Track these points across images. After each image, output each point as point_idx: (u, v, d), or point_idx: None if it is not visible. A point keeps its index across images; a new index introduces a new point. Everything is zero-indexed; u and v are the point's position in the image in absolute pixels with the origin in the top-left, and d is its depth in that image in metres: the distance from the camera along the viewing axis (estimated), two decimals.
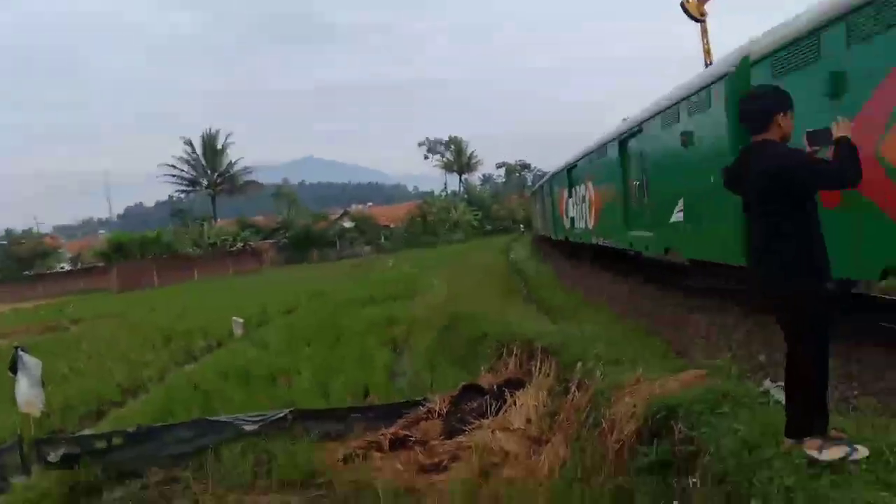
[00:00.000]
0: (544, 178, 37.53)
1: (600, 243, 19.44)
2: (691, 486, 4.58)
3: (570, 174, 23.88)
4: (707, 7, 27.95)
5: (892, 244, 6.48)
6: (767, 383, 5.97)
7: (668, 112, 12.33)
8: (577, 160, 22.41)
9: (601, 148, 18.53)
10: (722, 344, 10.00)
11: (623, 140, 15.93)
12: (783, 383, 4.06)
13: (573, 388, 6.72)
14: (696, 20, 28.10)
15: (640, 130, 14.43)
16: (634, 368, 6.45)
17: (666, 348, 9.44)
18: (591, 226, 20.35)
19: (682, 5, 27.89)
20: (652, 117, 13.39)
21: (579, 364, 6.88)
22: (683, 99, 11.42)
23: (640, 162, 14.60)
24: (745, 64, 8.93)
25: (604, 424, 5.87)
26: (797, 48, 7.69)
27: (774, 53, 8.18)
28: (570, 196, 24.01)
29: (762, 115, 3.90)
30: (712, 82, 10.03)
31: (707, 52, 28.05)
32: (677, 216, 11.81)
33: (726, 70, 9.56)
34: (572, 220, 23.90)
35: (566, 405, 6.73)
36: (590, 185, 20.28)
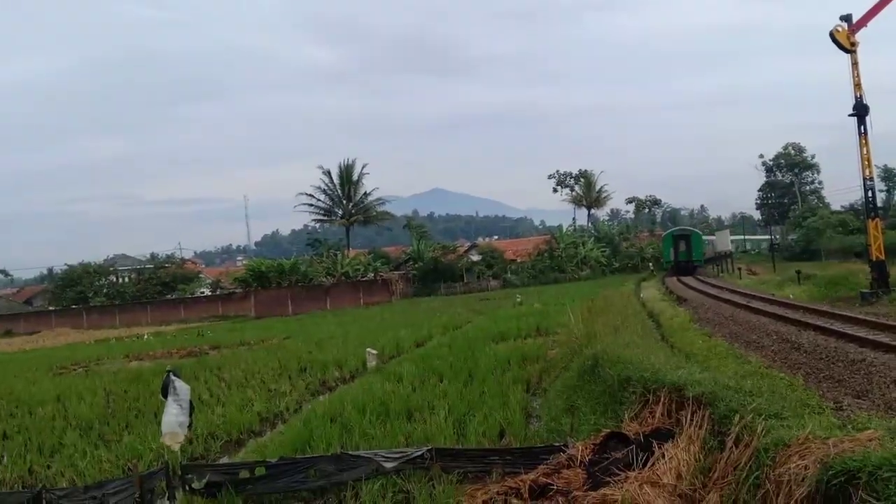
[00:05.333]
0: (667, 232, 73.16)
1: (665, 264, 65.38)
2: None
3: (672, 237, 64.94)
4: (857, 37, 26.26)
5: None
6: None
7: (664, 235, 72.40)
8: (665, 233, 71.78)
9: (666, 234, 70.89)
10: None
11: (665, 234, 71.46)
12: None
13: (729, 444, 6.24)
14: (846, 51, 26.44)
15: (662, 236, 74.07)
16: (801, 424, 5.90)
17: (817, 400, 8.77)
18: (669, 259, 63.66)
19: (832, 35, 26.36)
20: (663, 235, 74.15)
21: (737, 417, 6.38)
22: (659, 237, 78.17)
23: (667, 243, 65.20)
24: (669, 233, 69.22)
25: (768, 486, 5.38)
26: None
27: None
28: (669, 246, 64.24)
29: None
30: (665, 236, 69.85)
31: (857, 86, 26.32)
32: (666, 256, 64.65)
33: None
34: (667, 256, 64.68)
35: (722, 462, 6.25)
36: (668, 243, 65.36)
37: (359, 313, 50.26)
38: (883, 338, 14.37)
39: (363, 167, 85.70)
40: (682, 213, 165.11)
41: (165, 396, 9.15)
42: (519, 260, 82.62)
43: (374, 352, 18.59)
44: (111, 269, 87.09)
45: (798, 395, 8.68)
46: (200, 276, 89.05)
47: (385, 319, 38.29)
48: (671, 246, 62.43)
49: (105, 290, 79.64)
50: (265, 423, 13.29)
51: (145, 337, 42.27)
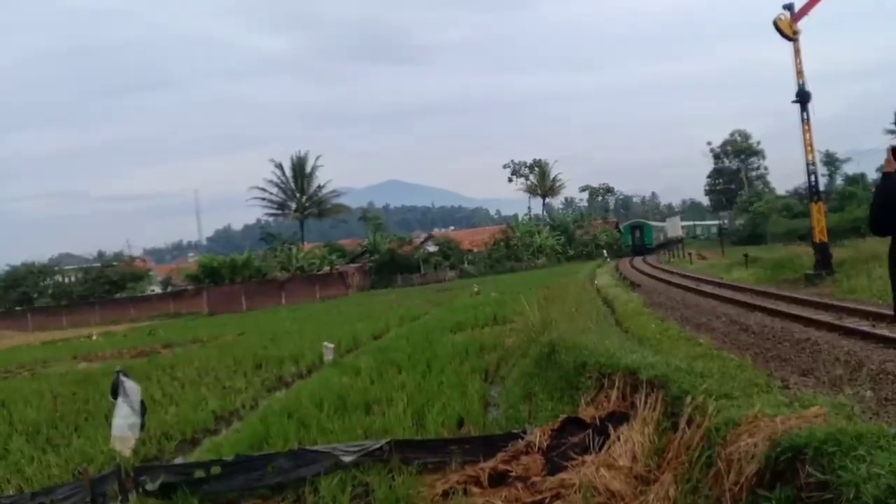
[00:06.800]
0: (626, 223, 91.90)
1: (624, 248, 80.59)
2: None
3: (630, 227, 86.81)
4: (800, 25, 26.87)
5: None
6: None
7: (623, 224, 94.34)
8: (624, 225, 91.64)
9: (625, 225, 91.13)
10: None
11: (624, 225, 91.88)
12: None
13: (682, 424, 6.37)
14: (789, 39, 27.03)
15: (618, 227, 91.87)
16: (750, 403, 6.05)
17: (766, 379, 9.02)
18: (628, 244, 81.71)
19: (775, 23, 26.93)
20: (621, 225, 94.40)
21: (689, 398, 6.51)
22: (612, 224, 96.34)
23: (626, 232, 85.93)
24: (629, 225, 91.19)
25: (719, 464, 5.51)
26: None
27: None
28: (627, 234, 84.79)
29: None
30: (620, 225, 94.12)
31: (800, 73, 26.95)
32: (626, 242, 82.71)
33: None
34: (626, 242, 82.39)
35: (675, 442, 6.37)
36: (626, 232, 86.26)
37: (315, 307, 49.84)
38: (826, 317, 14.84)
39: (316, 159, 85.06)
40: (635, 200, 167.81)
41: (115, 397, 8.94)
42: (475, 250, 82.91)
43: (331, 345, 18.45)
44: (56, 268, 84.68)
45: (747, 374, 8.89)
46: (150, 273, 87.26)
47: (342, 313, 38.05)
48: (629, 234, 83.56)
49: (50, 291, 77.37)
50: (221, 421, 13.06)
51: (94, 337, 41.22)
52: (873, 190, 3.94)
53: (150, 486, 7.91)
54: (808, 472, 4.57)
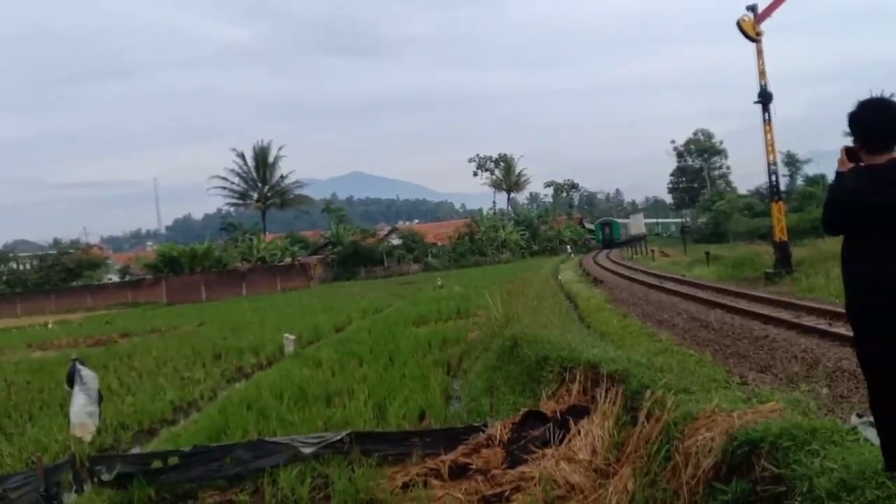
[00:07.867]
0: (598, 221, 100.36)
1: (596, 242, 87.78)
2: None
3: (600, 224, 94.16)
4: (763, 27, 27.26)
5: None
6: (854, 419, 5.61)
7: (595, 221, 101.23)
8: (596, 222, 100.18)
9: (597, 222, 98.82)
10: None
11: (596, 222, 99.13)
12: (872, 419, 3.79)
13: (642, 418, 6.42)
14: (752, 40, 27.40)
15: (588, 226, 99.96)
16: (708, 398, 6.12)
17: (724, 375, 9.16)
18: (599, 239, 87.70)
19: (738, 24, 27.27)
20: (591, 224, 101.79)
21: (648, 392, 6.57)
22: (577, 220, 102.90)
23: (598, 228, 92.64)
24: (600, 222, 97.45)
25: (677, 458, 5.56)
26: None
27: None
28: (599, 230, 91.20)
29: None
30: (591, 222, 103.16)
31: (762, 74, 27.35)
32: (598, 237, 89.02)
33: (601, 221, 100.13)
34: (598, 237, 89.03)
35: (634, 436, 6.42)
36: (598, 228, 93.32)
37: (276, 299, 49.38)
38: (784, 315, 15.10)
39: (279, 149, 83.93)
40: (599, 196, 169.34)
41: (71, 386, 8.73)
42: (440, 243, 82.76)
43: (292, 337, 18.29)
44: (11, 255, 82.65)
45: (706, 370, 9.03)
46: (108, 261, 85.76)
47: (304, 304, 37.76)
48: (600, 230, 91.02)
49: (5, 278, 75.42)
50: (178, 411, 12.92)
51: (49, 326, 40.38)
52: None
53: (105, 476, 7.76)
54: (763, 465, 4.63)
